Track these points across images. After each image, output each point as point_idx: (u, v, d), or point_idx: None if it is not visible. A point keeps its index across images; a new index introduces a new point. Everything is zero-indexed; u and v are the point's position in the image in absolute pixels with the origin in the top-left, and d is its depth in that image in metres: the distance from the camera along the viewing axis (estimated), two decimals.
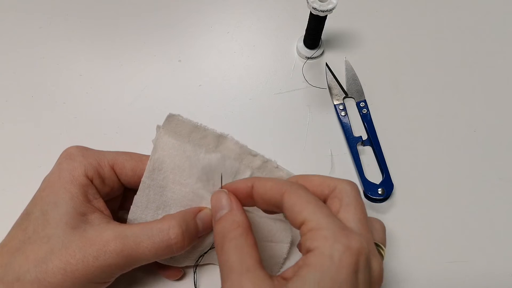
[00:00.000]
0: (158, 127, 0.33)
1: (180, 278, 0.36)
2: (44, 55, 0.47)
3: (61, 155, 0.31)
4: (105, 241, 0.27)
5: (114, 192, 0.33)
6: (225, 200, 0.28)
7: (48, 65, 0.46)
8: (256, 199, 0.28)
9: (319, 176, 0.28)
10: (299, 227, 0.25)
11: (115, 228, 0.28)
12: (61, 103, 0.44)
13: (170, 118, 0.32)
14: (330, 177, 0.28)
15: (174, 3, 0.51)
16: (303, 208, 0.25)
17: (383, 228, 0.31)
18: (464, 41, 0.49)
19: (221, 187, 0.30)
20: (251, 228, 0.26)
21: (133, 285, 0.36)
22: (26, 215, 0.29)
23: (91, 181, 0.30)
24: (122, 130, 0.43)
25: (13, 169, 0.41)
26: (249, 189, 0.28)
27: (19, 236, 0.28)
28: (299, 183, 0.27)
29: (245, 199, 0.28)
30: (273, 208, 0.27)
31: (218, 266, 0.36)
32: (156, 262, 0.34)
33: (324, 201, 0.27)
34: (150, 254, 0.28)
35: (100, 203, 0.30)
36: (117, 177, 0.32)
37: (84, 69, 0.46)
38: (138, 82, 0.46)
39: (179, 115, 0.32)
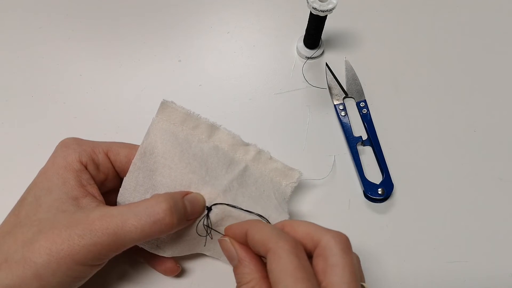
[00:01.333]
0: (153, 119, 0.33)
1: (178, 274, 0.36)
2: (44, 55, 0.47)
3: (57, 146, 0.32)
4: (91, 220, 0.27)
5: (109, 181, 0.33)
6: (231, 251, 0.28)
7: (48, 65, 0.46)
8: (249, 243, 0.27)
9: (305, 225, 0.27)
10: None
11: (103, 209, 0.28)
12: (61, 103, 0.44)
13: (164, 105, 0.32)
14: (316, 226, 0.27)
15: (174, 3, 0.51)
16: (282, 280, 0.23)
17: (358, 262, 0.29)
18: (464, 41, 0.49)
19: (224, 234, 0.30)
20: (264, 276, 0.26)
21: (131, 283, 0.36)
22: (20, 202, 0.29)
23: (85, 167, 0.30)
24: (122, 130, 0.43)
25: (13, 169, 0.41)
26: (244, 236, 0.27)
27: (12, 221, 0.28)
28: (286, 236, 0.26)
29: (244, 243, 0.28)
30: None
31: (216, 265, 0.36)
32: (152, 257, 0.34)
33: (310, 257, 0.26)
34: (137, 231, 0.27)
35: (93, 189, 0.30)
36: (112, 164, 0.32)
37: (84, 69, 0.46)
38: (138, 82, 0.46)
39: (172, 102, 0.32)
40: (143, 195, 0.32)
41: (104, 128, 0.43)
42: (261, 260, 0.27)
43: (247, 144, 0.35)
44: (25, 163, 0.41)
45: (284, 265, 0.24)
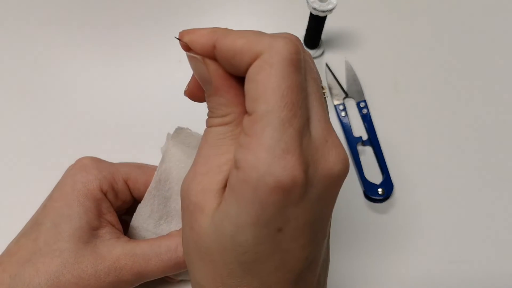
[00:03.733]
0: (168, 135, 0.33)
1: None
2: (44, 55, 0.47)
3: (74, 166, 0.31)
4: (115, 258, 0.28)
5: (125, 205, 0.33)
6: (204, 73, 0.21)
7: (48, 65, 0.46)
8: (220, 59, 0.20)
9: (245, 33, 0.19)
10: (247, 113, 0.19)
11: (125, 245, 0.29)
12: (61, 103, 0.44)
13: (179, 131, 0.32)
14: (259, 34, 0.19)
15: (174, 3, 0.51)
16: (263, 97, 0.18)
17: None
18: (465, 41, 0.49)
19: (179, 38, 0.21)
20: (244, 111, 0.19)
21: None
22: (36, 225, 0.29)
23: (105, 195, 0.30)
24: (122, 131, 0.43)
25: (13, 169, 0.41)
26: (210, 48, 0.20)
27: (29, 247, 0.28)
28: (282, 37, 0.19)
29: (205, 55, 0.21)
30: (239, 73, 0.20)
31: None
32: None
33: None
34: (158, 271, 0.29)
35: (112, 217, 0.31)
36: (130, 191, 0.32)
37: (84, 69, 0.46)
38: (138, 82, 0.46)
39: (187, 128, 0.32)
40: (157, 221, 0.32)
41: (104, 128, 0.43)
42: (242, 90, 0.20)
43: None
44: (25, 163, 0.41)
45: (275, 82, 0.18)
